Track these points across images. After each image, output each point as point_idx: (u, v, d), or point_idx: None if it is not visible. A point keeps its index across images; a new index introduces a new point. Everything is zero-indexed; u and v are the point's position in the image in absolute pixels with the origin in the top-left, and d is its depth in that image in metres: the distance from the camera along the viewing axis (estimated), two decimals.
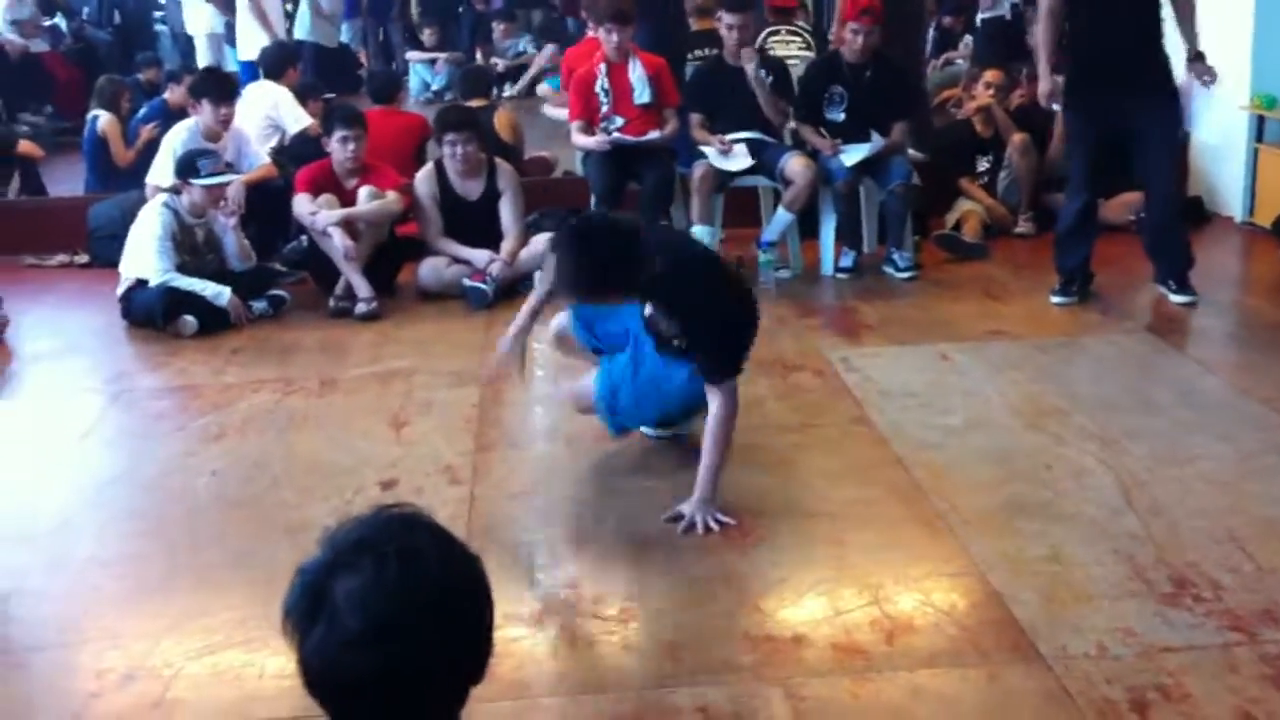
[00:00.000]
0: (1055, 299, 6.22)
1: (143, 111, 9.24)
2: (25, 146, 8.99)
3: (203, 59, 11.77)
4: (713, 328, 4.00)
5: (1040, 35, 6.24)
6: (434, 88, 13.13)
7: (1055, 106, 6.41)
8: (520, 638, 3.34)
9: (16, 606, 3.65)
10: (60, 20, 13.46)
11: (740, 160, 6.74)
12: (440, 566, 1.57)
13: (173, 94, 9.04)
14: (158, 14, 14.94)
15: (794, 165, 6.64)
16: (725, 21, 6.87)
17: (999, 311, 6.15)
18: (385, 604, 1.50)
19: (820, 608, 3.47)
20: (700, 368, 4.04)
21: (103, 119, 8.77)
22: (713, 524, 3.92)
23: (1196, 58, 6.11)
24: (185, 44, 13.16)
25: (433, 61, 13.35)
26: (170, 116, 8.47)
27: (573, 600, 3.54)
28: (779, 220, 6.75)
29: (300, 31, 12.33)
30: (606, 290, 3.94)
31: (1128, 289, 6.44)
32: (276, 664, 3.10)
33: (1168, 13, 5.99)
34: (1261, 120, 7.65)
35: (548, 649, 3.31)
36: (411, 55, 13.63)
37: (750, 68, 6.77)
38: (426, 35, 13.47)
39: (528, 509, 4.18)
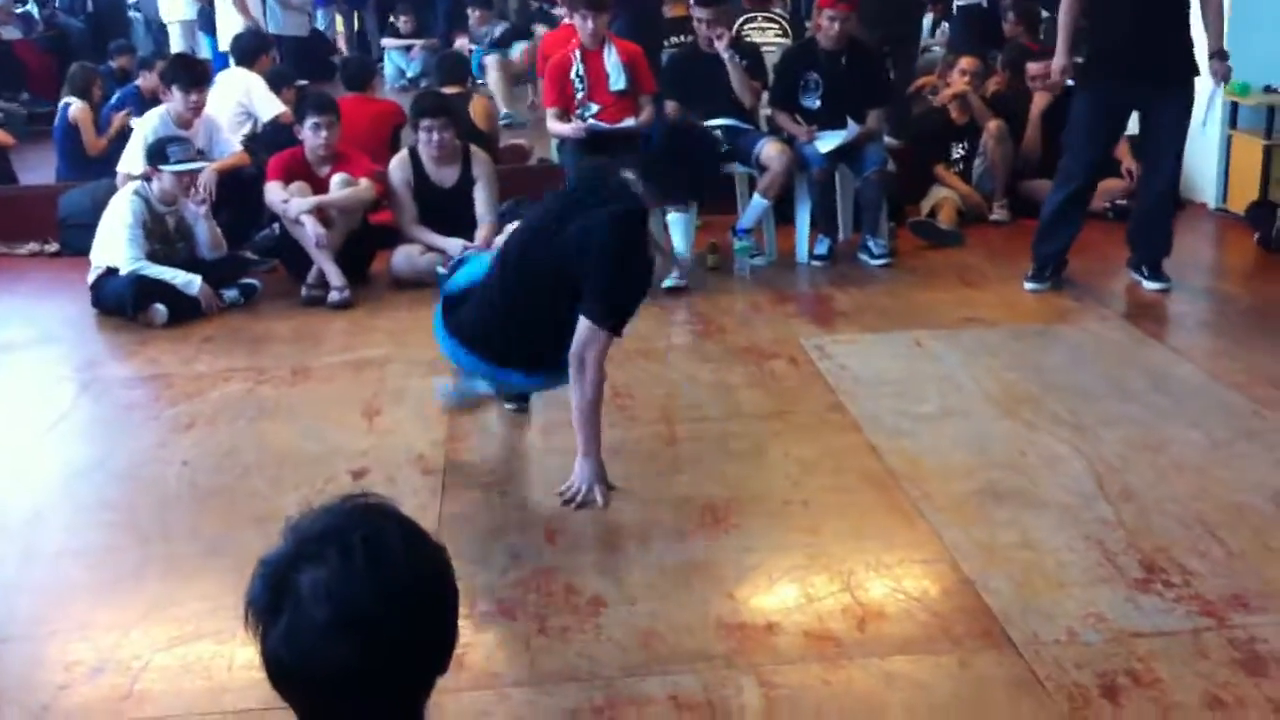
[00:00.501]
0: (1029, 285, 6.22)
1: (115, 98, 9.18)
2: None
3: (176, 46, 11.72)
4: (629, 272, 3.96)
5: (1062, 14, 6.16)
6: (409, 75, 13.08)
7: (1069, 82, 6.36)
8: (491, 627, 3.34)
9: None
10: (32, 7, 13.38)
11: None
12: (406, 556, 1.55)
13: (145, 80, 8.98)
14: (131, 1, 14.83)
15: (769, 151, 6.63)
16: (697, 14, 6.86)
17: (974, 299, 6.16)
18: (351, 594, 1.49)
19: (793, 595, 3.47)
20: (593, 306, 3.91)
21: (74, 107, 8.71)
22: (598, 497, 3.98)
23: (1218, 54, 6.05)
24: (159, 31, 13.10)
25: (408, 49, 13.29)
26: (143, 104, 8.42)
27: (544, 589, 3.53)
28: (754, 207, 6.76)
29: (272, 25, 12.26)
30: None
31: (1103, 276, 6.45)
32: (246, 655, 3.08)
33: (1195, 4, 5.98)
34: (1235, 107, 7.66)
35: (519, 638, 3.30)
36: (387, 42, 13.58)
37: (722, 46, 6.76)
38: (402, 22, 13.40)
39: (499, 498, 4.16)
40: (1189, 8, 5.95)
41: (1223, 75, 6.12)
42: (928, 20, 11.58)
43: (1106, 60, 6.01)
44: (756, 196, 6.73)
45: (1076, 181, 6.17)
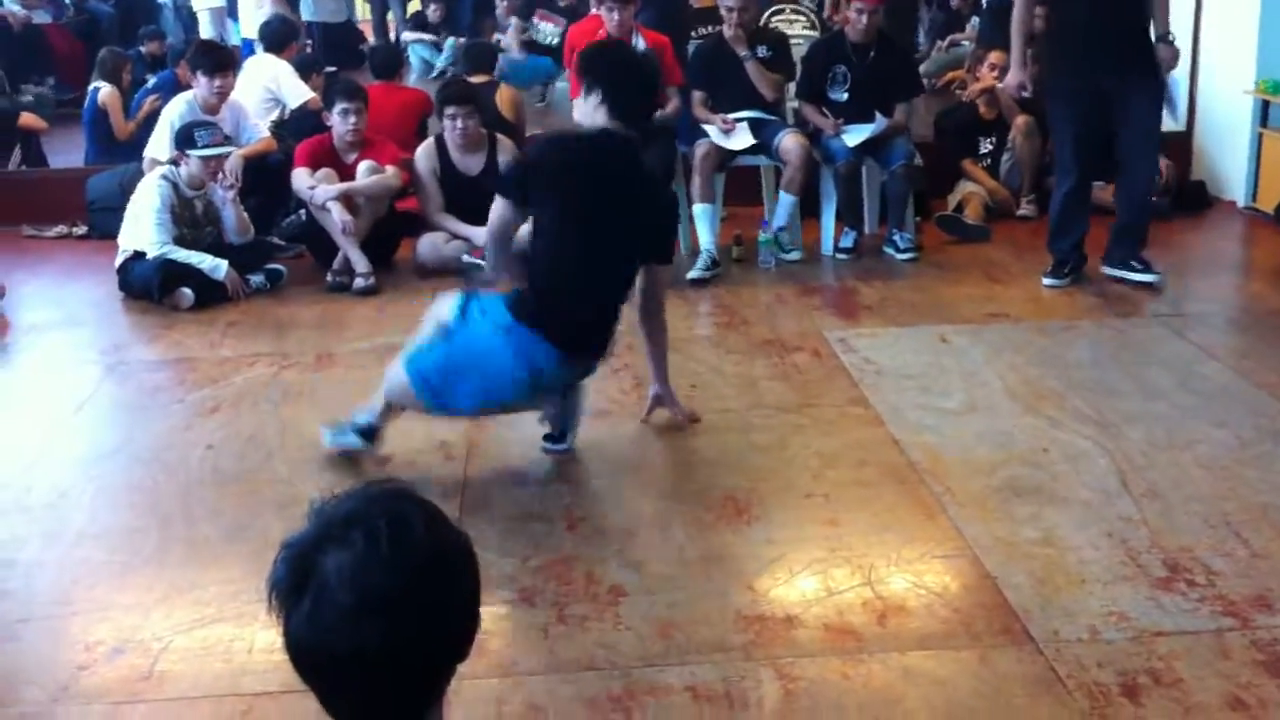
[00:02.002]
0: (1047, 281, 6.20)
1: (150, 84, 9.21)
2: (27, 118, 8.98)
3: (205, 32, 11.75)
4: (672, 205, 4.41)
5: (1014, 22, 6.19)
6: (438, 66, 13.04)
7: (1025, 94, 6.35)
8: (511, 615, 3.34)
9: (9, 578, 3.64)
10: None
11: (742, 139, 6.72)
12: (430, 540, 1.55)
13: (182, 69, 9.01)
14: None
15: (787, 143, 6.62)
16: (725, 4, 6.84)
17: (999, 294, 6.13)
18: (376, 577, 1.49)
19: (813, 588, 3.46)
20: (658, 244, 4.29)
21: (104, 91, 8.75)
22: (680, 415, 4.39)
23: (1162, 39, 6.01)
24: (188, 17, 13.13)
25: (434, 43, 13.21)
26: (179, 91, 8.45)
27: (564, 578, 3.53)
28: (784, 204, 6.73)
29: (306, 13, 12.30)
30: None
31: None
32: (267, 638, 3.10)
33: None
34: (1266, 105, 7.61)
35: (538, 627, 3.30)
36: (408, 35, 13.51)
37: (740, 48, 6.74)
38: (431, 11, 13.35)
39: (521, 486, 4.17)
40: (1144, 3, 5.93)
41: (1169, 60, 6.08)
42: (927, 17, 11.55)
43: (1066, 56, 6.02)
44: (782, 194, 6.71)
45: (1071, 178, 6.16)
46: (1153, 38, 5.96)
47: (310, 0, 12.33)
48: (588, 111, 4.19)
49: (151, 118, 7.83)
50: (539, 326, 4.01)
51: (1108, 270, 6.25)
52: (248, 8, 10.96)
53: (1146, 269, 6.15)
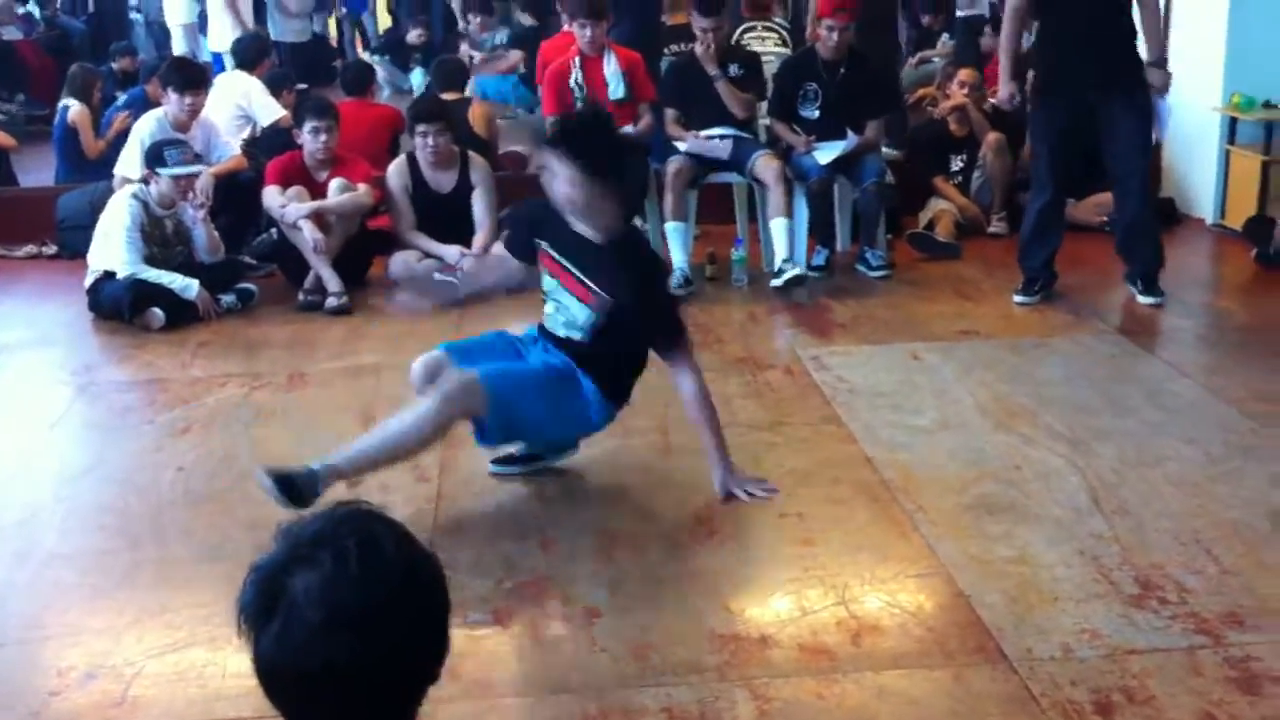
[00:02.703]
0: (1018, 299, 6.24)
1: (121, 101, 9.17)
2: None
3: (178, 49, 11.71)
4: (665, 295, 4.18)
5: (1003, 37, 6.27)
6: (415, 88, 12.99)
7: (1014, 105, 6.39)
8: (485, 637, 3.33)
9: None
10: (34, 8, 13.37)
11: (720, 148, 6.71)
12: (400, 560, 1.56)
13: (153, 86, 8.96)
14: (132, 2, 14.83)
15: (761, 165, 6.62)
16: (698, 25, 6.85)
17: (971, 311, 6.16)
18: (345, 595, 1.49)
19: (787, 608, 3.47)
20: (662, 341, 4.06)
21: (74, 109, 8.69)
22: (758, 492, 4.09)
23: (1157, 63, 6.09)
24: (160, 33, 13.10)
25: (400, 65, 13.11)
26: (150, 107, 8.41)
27: (538, 599, 3.53)
28: (779, 231, 6.52)
29: (272, 32, 12.28)
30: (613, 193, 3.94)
31: (1099, 290, 6.46)
32: (239, 663, 3.07)
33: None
34: (1234, 122, 7.67)
35: (512, 648, 3.30)
36: (367, 57, 13.39)
37: (710, 68, 6.75)
38: (413, 34, 13.27)
39: (494, 507, 4.16)
40: (1130, 15, 5.99)
41: (1162, 84, 6.13)
42: (906, 33, 11.61)
43: (1052, 71, 6.07)
44: (773, 223, 6.57)
45: (1046, 193, 6.20)
46: (1141, 55, 6.01)
47: (275, 19, 12.31)
48: (593, 203, 3.94)
49: (122, 135, 7.80)
50: (615, 398, 4.13)
51: (1127, 285, 6.28)
52: (217, 22, 10.94)
53: (1147, 290, 6.17)
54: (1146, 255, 6.20)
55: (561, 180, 3.89)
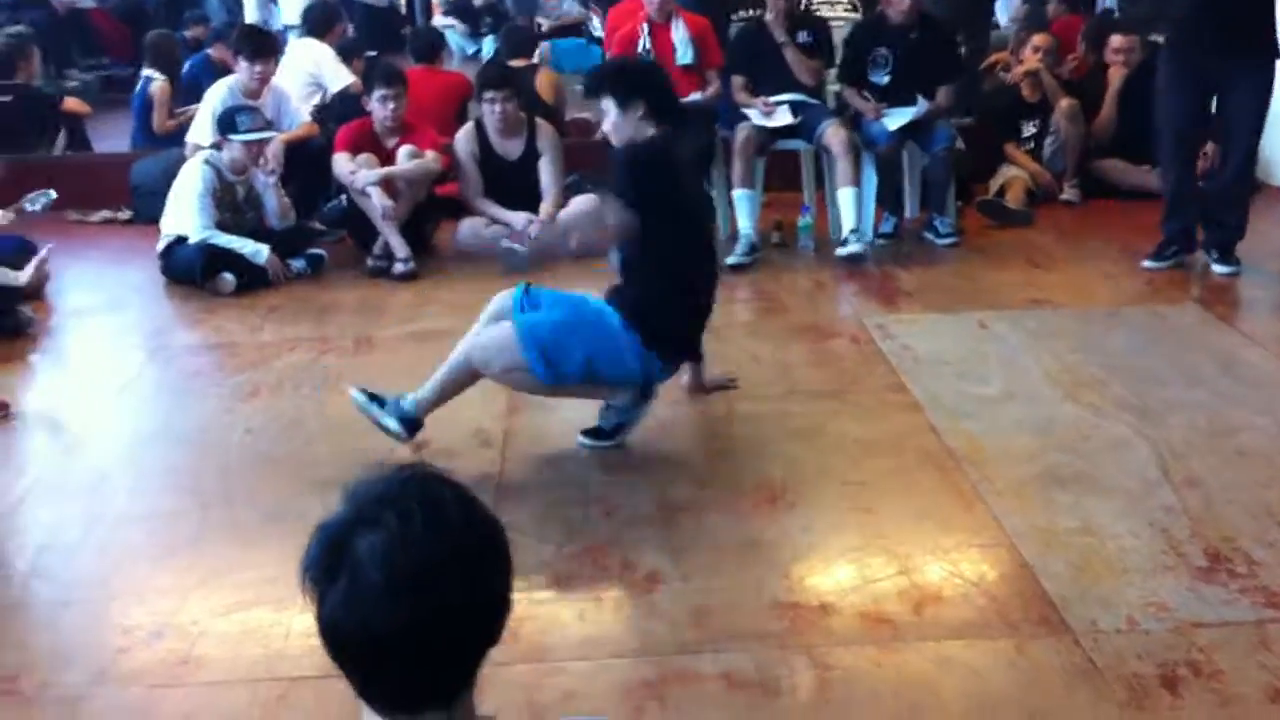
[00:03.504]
0: (1147, 262, 6.15)
1: (186, 67, 9.24)
2: (71, 103, 9.01)
3: (250, 16, 11.76)
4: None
5: None
6: (469, 52, 12.99)
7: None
8: (545, 601, 3.34)
9: (50, 560, 3.69)
10: None
11: (783, 117, 6.67)
12: (464, 521, 1.56)
13: (217, 51, 9.02)
14: None
15: (829, 134, 6.55)
16: None
17: (1041, 280, 6.08)
18: (410, 556, 1.50)
19: (849, 576, 3.45)
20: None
21: (155, 84, 8.66)
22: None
23: None
24: (233, 1, 13.16)
25: (469, 32, 13.11)
26: (214, 72, 8.47)
27: (599, 564, 3.54)
28: (847, 200, 6.47)
29: None
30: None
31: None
32: (303, 623, 3.11)
33: None
34: None
35: (572, 613, 3.30)
36: (440, 20, 13.43)
37: (779, 35, 6.70)
38: None
39: (557, 473, 4.17)
40: None
41: None
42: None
43: (1181, 33, 5.96)
44: (840, 192, 6.51)
45: (1177, 164, 6.10)
46: (1274, 27, 5.87)
47: None
48: (631, 125, 4.23)
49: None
50: (653, 345, 4.15)
51: (1202, 254, 6.19)
52: None
53: (1222, 259, 6.07)
54: (1229, 224, 6.09)
55: (608, 119, 4.26)
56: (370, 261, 6.48)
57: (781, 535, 3.69)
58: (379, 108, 6.62)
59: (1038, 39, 7.83)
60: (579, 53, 11.72)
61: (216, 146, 6.40)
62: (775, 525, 3.75)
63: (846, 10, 8.09)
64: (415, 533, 1.51)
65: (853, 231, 6.39)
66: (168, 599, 3.41)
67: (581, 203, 6.46)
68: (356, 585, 1.50)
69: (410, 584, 1.49)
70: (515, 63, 7.95)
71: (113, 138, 9.26)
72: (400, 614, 1.49)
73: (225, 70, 7.84)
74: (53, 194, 6.25)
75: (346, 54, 8.29)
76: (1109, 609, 3.23)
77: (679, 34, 6.81)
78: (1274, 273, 6.29)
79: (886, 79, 6.76)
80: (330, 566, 1.53)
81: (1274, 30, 5.87)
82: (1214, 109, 6.22)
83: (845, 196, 6.47)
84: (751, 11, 7.46)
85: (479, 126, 6.76)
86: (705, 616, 3.25)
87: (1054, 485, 3.93)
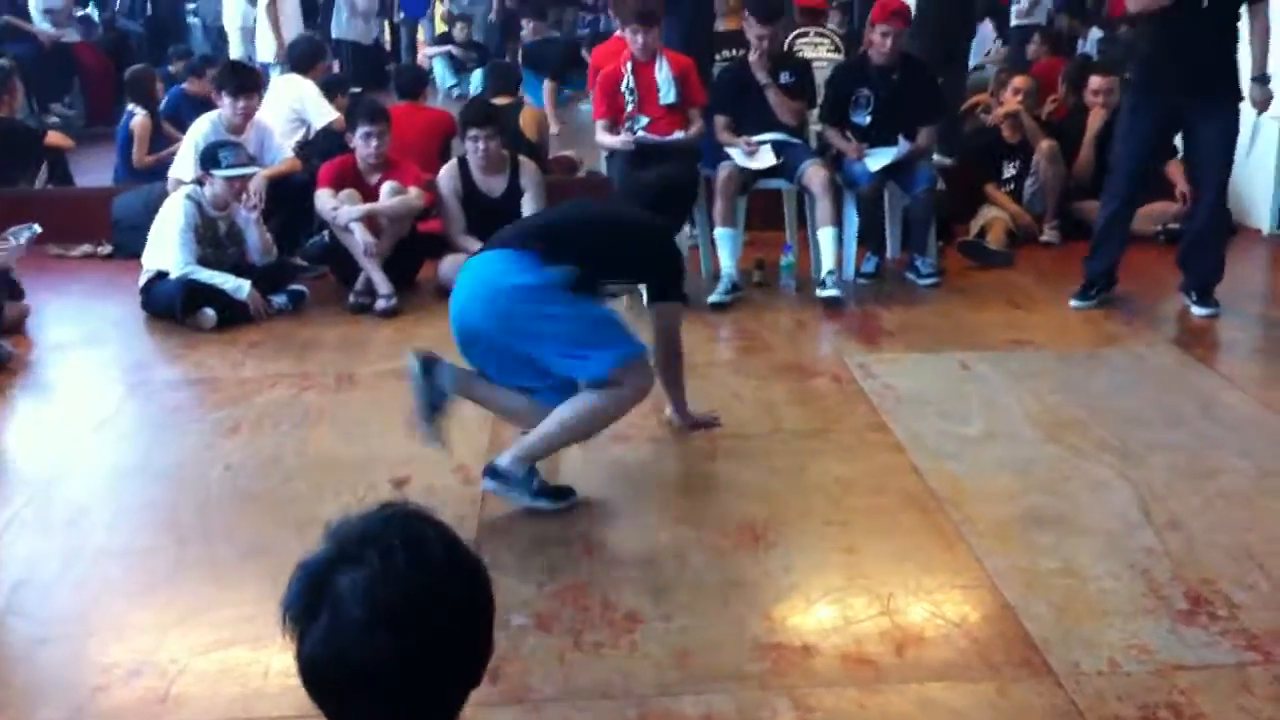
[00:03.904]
0: (1073, 303, 6.20)
1: (164, 101, 9.24)
2: (54, 137, 9.02)
3: (235, 52, 11.79)
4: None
5: None
6: (456, 93, 13.01)
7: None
8: (526, 641, 3.32)
9: (26, 596, 3.65)
10: (93, 11, 13.53)
11: (765, 158, 6.70)
12: (446, 559, 1.56)
13: (191, 85, 9.04)
14: (190, 6, 15.00)
15: (810, 174, 6.58)
16: (753, 31, 6.84)
17: (1022, 320, 6.11)
18: (391, 593, 1.50)
19: (830, 617, 3.44)
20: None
21: (137, 118, 8.66)
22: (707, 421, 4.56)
23: (1258, 79, 6.02)
24: (217, 36, 13.21)
25: (457, 59, 13.16)
26: (191, 106, 8.50)
27: (581, 604, 3.52)
28: (827, 241, 6.49)
29: (336, 30, 12.37)
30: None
31: (1154, 300, 6.39)
32: (283, 661, 3.06)
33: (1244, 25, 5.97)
34: None
35: (554, 653, 3.28)
36: (429, 50, 13.47)
37: (761, 76, 6.74)
38: (457, 30, 13.36)
39: (539, 511, 4.15)
40: (1235, 27, 5.91)
41: (1261, 101, 6.05)
42: (978, 39, 11.55)
43: (1148, 72, 6.03)
44: (820, 232, 6.54)
45: (1117, 200, 6.19)
46: (1238, 69, 5.95)
47: (341, 20, 12.40)
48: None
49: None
50: None
51: (1180, 296, 6.24)
52: (263, 34, 11.10)
53: (1202, 301, 6.11)
54: (1206, 266, 6.13)
55: None
56: (352, 298, 6.47)
57: (763, 575, 3.68)
58: (362, 145, 6.63)
59: (1018, 81, 7.90)
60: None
61: (199, 181, 6.40)
62: (757, 565, 3.74)
63: (829, 52, 8.15)
64: (397, 570, 1.51)
65: (829, 273, 6.42)
66: (146, 636, 3.38)
67: None
68: (337, 622, 1.50)
69: (391, 621, 1.49)
70: (499, 100, 7.98)
71: (94, 172, 9.26)
72: (380, 652, 1.49)
73: (202, 103, 7.85)
74: (36, 228, 6.24)
75: (330, 90, 8.30)
76: (1091, 651, 3.23)
77: (662, 74, 6.83)
78: (1253, 315, 6.33)
79: (868, 119, 6.81)
80: (311, 604, 1.52)
81: (1237, 72, 5.94)
82: (1181, 153, 6.28)
83: (825, 236, 6.50)
84: (734, 51, 7.51)
85: (462, 163, 6.77)
86: (687, 657, 3.24)
87: (1035, 526, 3.93)
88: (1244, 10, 5.89)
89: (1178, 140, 6.38)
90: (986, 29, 11.54)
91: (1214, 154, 5.98)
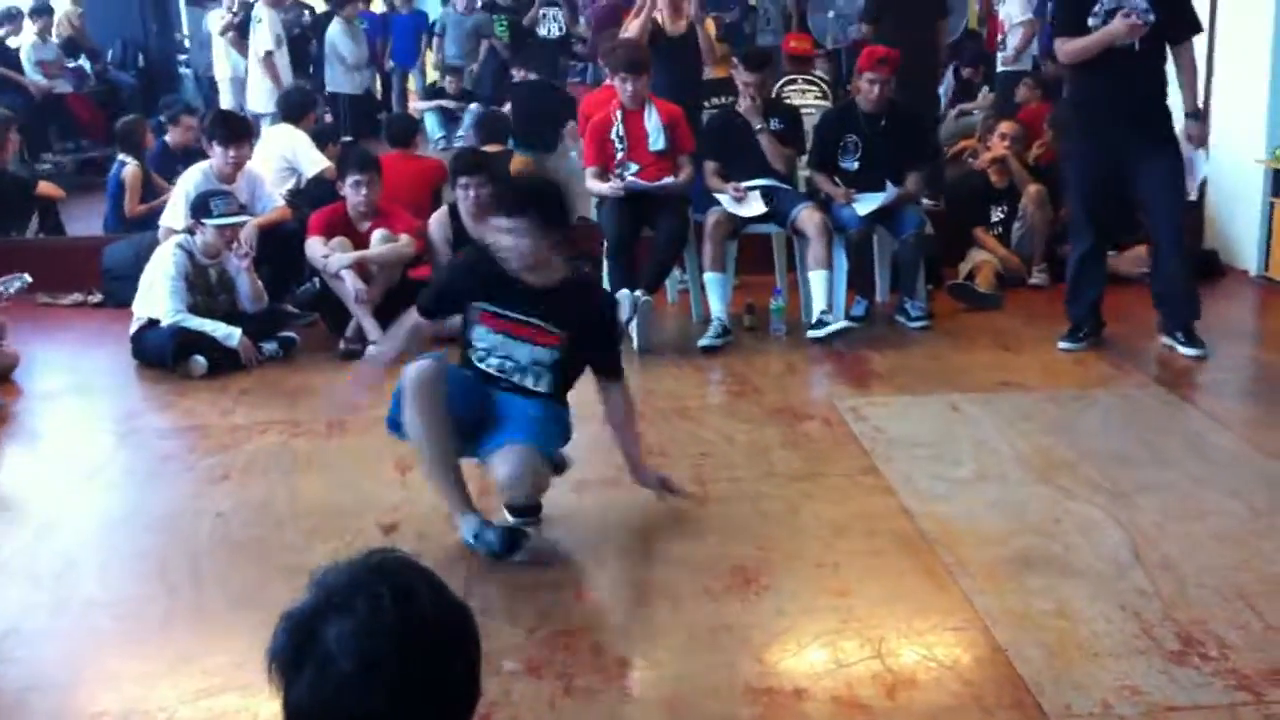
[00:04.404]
0: (1062, 345, 6.23)
1: (149, 154, 9.25)
2: (44, 187, 9.03)
3: (225, 102, 11.86)
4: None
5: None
6: (459, 136, 13.04)
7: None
8: (517, 687, 3.31)
9: (16, 646, 3.63)
10: (85, 62, 13.56)
11: (754, 206, 6.74)
12: (434, 607, 1.56)
13: (172, 136, 9.05)
14: (181, 57, 15.05)
15: (804, 217, 6.62)
16: (741, 78, 6.91)
17: (1011, 363, 6.12)
18: (378, 644, 1.50)
19: (822, 660, 3.43)
20: (612, 366, 4.31)
21: (128, 169, 8.67)
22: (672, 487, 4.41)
23: (1192, 115, 6.11)
24: (209, 87, 13.26)
25: (449, 111, 13.19)
26: (171, 158, 8.53)
27: (571, 649, 3.51)
28: (819, 282, 6.55)
29: (330, 84, 12.46)
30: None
31: (1141, 341, 6.40)
32: (272, 710, 3.04)
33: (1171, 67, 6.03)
34: (1278, 175, 7.63)
35: (544, 699, 3.27)
36: (419, 105, 13.52)
37: (755, 121, 6.80)
38: (448, 83, 13.41)
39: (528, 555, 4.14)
40: (1163, 69, 6.00)
41: (1198, 136, 6.12)
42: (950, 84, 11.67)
43: (1084, 120, 6.10)
44: (812, 275, 6.58)
45: (1085, 242, 6.22)
46: (1173, 109, 6.00)
47: (335, 73, 12.47)
48: (545, 254, 4.13)
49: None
50: None
51: (1161, 338, 6.25)
52: (255, 83, 11.17)
53: (1186, 341, 6.13)
54: (1180, 306, 6.17)
55: (515, 238, 4.03)
56: (343, 345, 6.48)
57: (755, 619, 3.68)
58: (352, 193, 6.66)
59: (1005, 126, 7.95)
60: None
61: (190, 230, 6.42)
62: (748, 609, 3.73)
63: (816, 98, 8.21)
64: (384, 620, 1.51)
65: (825, 312, 6.44)
66: (135, 685, 3.36)
67: None
68: (324, 673, 1.49)
69: (378, 672, 1.48)
70: (489, 148, 8.02)
71: (85, 220, 9.27)
72: (368, 702, 1.48)
73: (182, 155, 7.87)
74: (27, 278, 6.25)
75: (322, 139, 8.34)
76: (1083, 693, 3.22)
77: (651, 121, 6.87)
78: (1240, 355, 6.36)
79: (856, 165, 6.87)
80: (297, 654, 1.52)
81: (1169, 112, 6.02)
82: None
83: (818, 278, 6.53)
84: (723, 99, 7.56)
85: (453, 211, 6.80)
86: (678, 702, 3.23)
87: (1027, 568, 3.93)
88: (1169, 51, 5.96)
89: None
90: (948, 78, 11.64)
91: (1163, 193, 6.03)
